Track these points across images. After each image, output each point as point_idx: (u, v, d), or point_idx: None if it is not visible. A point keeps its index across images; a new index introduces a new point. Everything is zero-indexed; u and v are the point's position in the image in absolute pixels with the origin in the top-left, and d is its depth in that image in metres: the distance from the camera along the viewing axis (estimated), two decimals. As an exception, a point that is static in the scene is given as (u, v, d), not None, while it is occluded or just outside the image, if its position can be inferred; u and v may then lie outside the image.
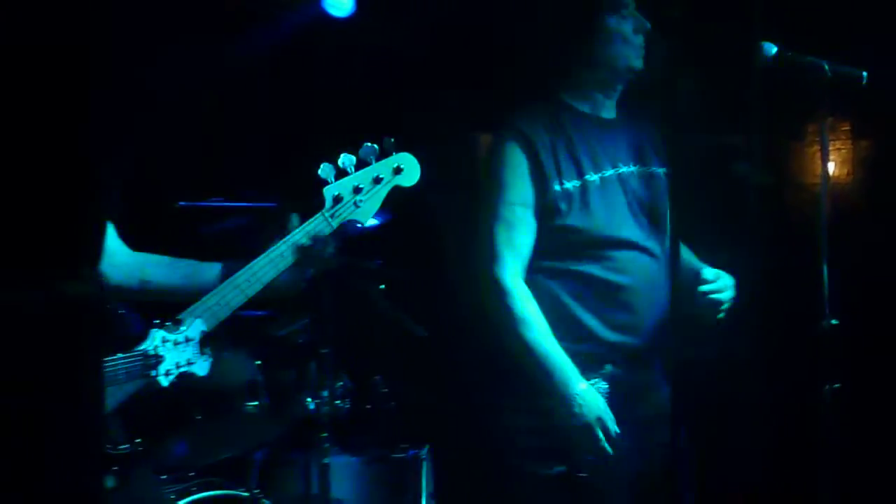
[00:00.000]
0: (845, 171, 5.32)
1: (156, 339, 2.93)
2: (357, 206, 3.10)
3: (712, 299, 3.27)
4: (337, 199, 3.05)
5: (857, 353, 3.36)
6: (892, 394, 4.57)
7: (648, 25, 3.28)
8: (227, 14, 5.52)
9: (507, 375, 3.27)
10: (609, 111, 3.41)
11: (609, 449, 3.07)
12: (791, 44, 3.24)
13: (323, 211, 3.04)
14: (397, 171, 3.16)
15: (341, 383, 4.30)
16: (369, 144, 3.12)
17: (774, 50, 3.25)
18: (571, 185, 3.21)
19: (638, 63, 3.29)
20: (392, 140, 3.16)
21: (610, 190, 3.27)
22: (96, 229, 1.67)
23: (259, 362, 4.14)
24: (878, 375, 4.28)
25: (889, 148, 5.15)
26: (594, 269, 3.21)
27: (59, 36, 1.56)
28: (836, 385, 3.10)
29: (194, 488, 3.89)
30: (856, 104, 3.29)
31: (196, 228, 4.25)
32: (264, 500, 3.95)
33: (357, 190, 3.07)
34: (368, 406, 4.70)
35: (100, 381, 2.75)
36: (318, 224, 3.05)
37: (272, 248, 3.02)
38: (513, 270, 3.21)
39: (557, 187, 3.22)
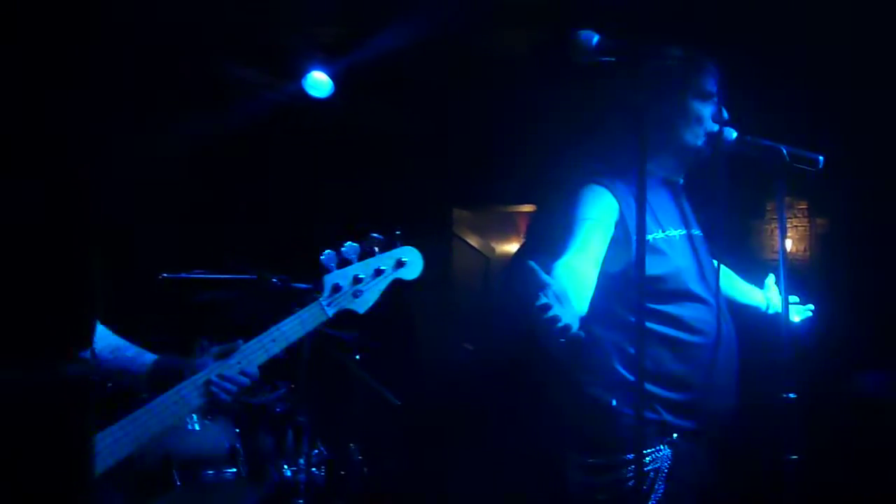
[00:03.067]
0: (802, 247, 5.39)
1: None
2: (355, 297, 3.06)
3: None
4: (336, 289, 3.02)
5: (814, 426, 3.37)
6: (848, 459, 4.61)
7: (726, 114, 3.32)
8: (213, 92, 5.57)
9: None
10: (680, 178, 3.43)
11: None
12: (751, 129, 3.29)
13: (320, 299, 3.00)
14: (399, 264, 3.13)
15: (317, 451, 4.29)
16: (375, 235, 3.11)
17: (735, 135, 3.29)
18: (651, 237, 3.16)
19: (705, 151, 3.32)
20: (398, 233, 3.14)
21: (681, 248, 3.25)
22: (90, 314, 1.69)
23: (238, 430, 4.13)
24: (834, 445, 4.31)
25: (843, 226, 5.23)
26: (669, 320, 3.17)
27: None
28: (795, 457, 3.09)
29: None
30: (812, 185, 3.31)
31: (181, 299, 4.25)
32: (241, 566, 3.92)
33: (357, 280, 3.05)
34: (343, 473, 4.68)
35: (91, 451, 2.73)
36: (314, 312, 3.00)
37: (264, 335, 2.96)
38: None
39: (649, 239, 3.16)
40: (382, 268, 3.09)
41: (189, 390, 2.91)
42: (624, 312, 3.17)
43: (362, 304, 3.07)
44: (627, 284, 3.12)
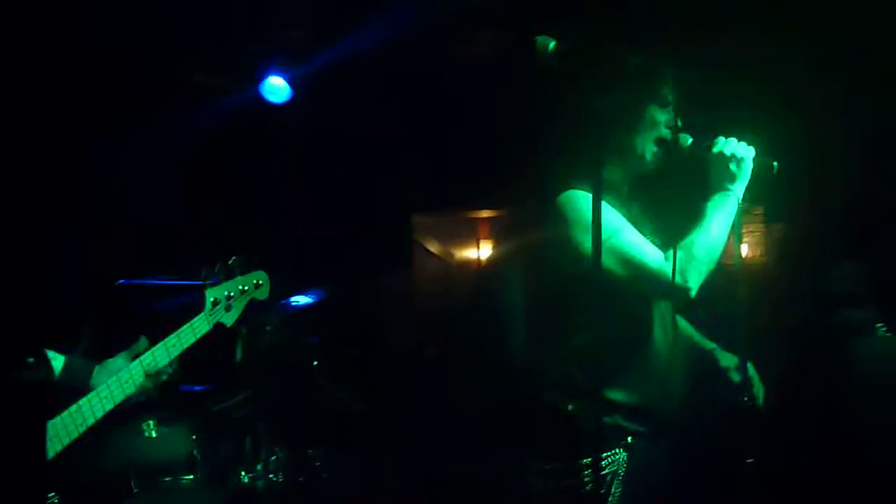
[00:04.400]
0: (758, 252, 5.42)
1: None
2: (227, 311, 3.45)
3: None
4: (214, 303, 3.40)
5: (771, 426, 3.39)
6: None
7: (680, 123, 3.31)
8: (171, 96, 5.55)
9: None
10: (628, 187, 3.42)
11: None
12: (706, 134, 3.30)
13: (205, 312, 3.37)
14: (256, 285, 3.53)
15: (275, 457, 4.27)
16: (236, 258, 3.48)
17: (690, 140, 3.29)
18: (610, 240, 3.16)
19: (661, 159, 3.32)
20: (255, 258, 3.53)
21: None
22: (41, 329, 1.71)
23: (196, 436, 4.11)
24: (789, 445, 4.34)
25: (799, 231, 5.27)
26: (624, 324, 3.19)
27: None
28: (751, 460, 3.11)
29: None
30: (768, 191, 3.32)
31: (137, 306, 4.24)
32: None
33: (229, 297, 3.44)
34: (302, 479, 4.67)
35: (44, 443, 2.80)
36: (201, 323, 3.38)
37: (167, 339, 3.33)
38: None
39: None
40: (246, 287, 3.50)
41: (111, 389, 3.23)
42: (579, 316, 3.18)
43: (230, 318, 3.45)
44: (583, 288, 3.13)
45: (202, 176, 5.80)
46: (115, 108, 5.08)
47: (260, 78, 5.65)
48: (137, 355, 3.28)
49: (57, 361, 3.25)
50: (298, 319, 4.59)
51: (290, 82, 5.68)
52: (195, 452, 4.08)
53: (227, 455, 4.30)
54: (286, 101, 5.68)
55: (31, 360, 2.91)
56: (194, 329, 3.36)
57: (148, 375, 3.27)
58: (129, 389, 3.26)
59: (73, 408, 3.14)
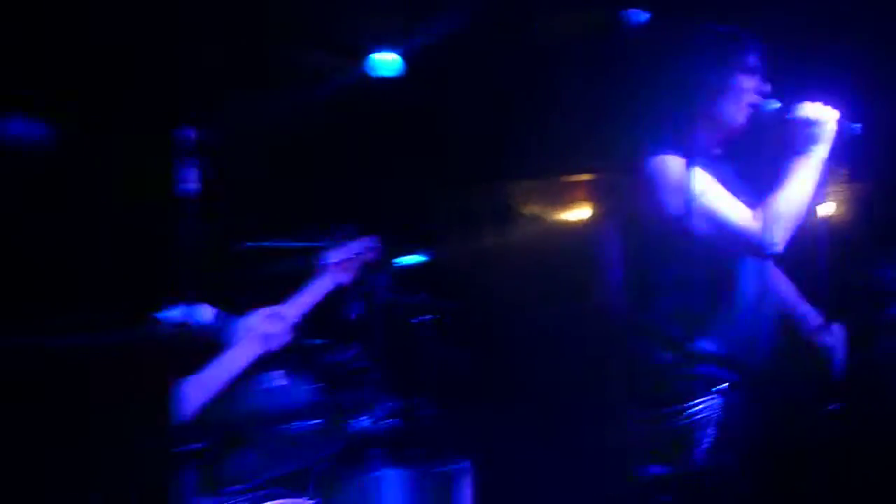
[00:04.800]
0: (842, 210, 5.33)
1: None
2: (345, 271, 3.69)
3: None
4: (336, 264, 3.64)
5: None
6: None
7: (768, 88, 3.28)
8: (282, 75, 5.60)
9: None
10: (718, 151, 3.39)
11: None
12: (793, 99, 3.26)
13: (329, 272, 3.65)
14: (368, 248, 3.77)
15: (391, 404, 4.31)
16: (351, 224, 3.76)
17: (778, 105, 3.26)
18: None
19: (748, 124, 3.29)
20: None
21: None
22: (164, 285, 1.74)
23: (318, 386, 4.16)
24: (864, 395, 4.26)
25: (882, 190, 5.17)
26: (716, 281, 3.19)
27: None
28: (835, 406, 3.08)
29: (260, 498, 3.91)
30: (852, 152, 3.28)
31: (262, 269, 4.30)
32: (323, 509, 3.96)
33: (348, 259, 3.68)
34: (415, 424, 4.71)
35: (169, 397, 2.84)
36: (324, 282, 3.64)
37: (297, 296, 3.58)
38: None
39: None
40: (359, 251, 3.74)
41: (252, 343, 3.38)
42: (672, 272, 3.17)
43: (349, 279, 3.71)
44: (675, 246, 3.12)
45: (317, 149, 5.84)
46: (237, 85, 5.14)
47: (368, 55, 5.67)
48: (273, 312, 3.35)
49: (205, 315, 3.31)
50: (408, 278, 4.62)
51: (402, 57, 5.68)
52: (317, 400, 4.13)
53: (347, 403, 4.34)
54: (396, 76, 5.69)
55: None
56: (319, 287, 3.52)
57: (285, 330, 3.33)
58: (271, 343, 3.36)
59: (219, 361, 3.18)
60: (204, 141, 3.26)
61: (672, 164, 3.16)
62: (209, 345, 3.32)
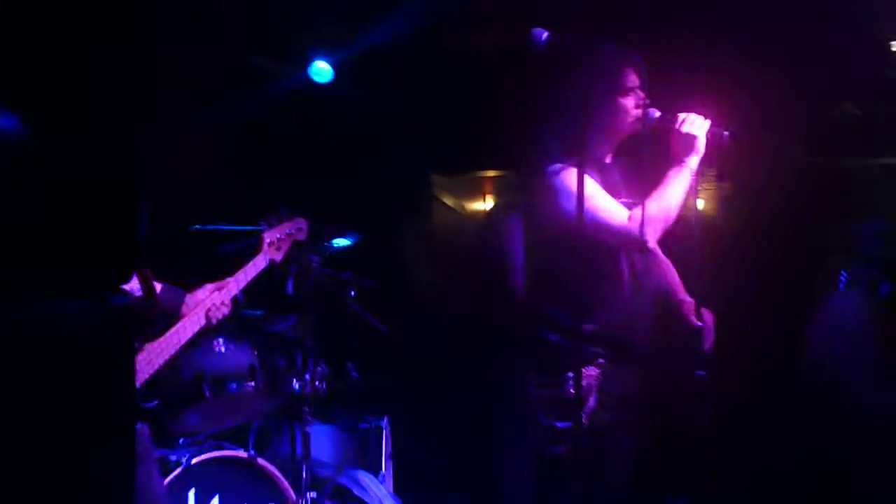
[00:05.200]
0: (711, 206, 5.43)
1: None
2: (277, 250, 3.65)
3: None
4: (269, 244, 3.62)
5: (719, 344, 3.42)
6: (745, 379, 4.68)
7: (647, 99, 3.32)
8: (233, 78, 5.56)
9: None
10: (608, 157, 3.44)
11: None
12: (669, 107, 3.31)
13: (263, 251, 3.61)
14: (298, 229, 3.75)
15: (320, 368, 4.32)
16: (283, 208, 3.72)
17: (657, 115, 3.30)
18: None
19: (634, 132, 3.34)
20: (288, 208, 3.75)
21: None
22: (131, 256, 1.71)
23: (257, 352, 4.15)
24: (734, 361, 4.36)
25: (743, 188, 5.27)
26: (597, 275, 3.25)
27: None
28: (702, 373, 3.14)
29: (205, 449, 3.90)
30: (720, 155, 3.33)
31: (208, 249, 4.26)
32: (259, 459, 3.95)
33: (279, 239, 3.65)
34: (341, 386, 4.72)
35: (133, 365, 2.81)
36: (261, 259, 3.61)
37: (238, 272, 3.58)
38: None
39: None
40: (290, 231, 3.68)
41: (199, 314, 3.38)
42: (561, 262, 3.23)
43: (280, 255, 3.66)
44: (565, 241, 3.18)
45: (259, 144, 5.81)
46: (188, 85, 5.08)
47: (307, 62, 5.65)
48: (217, 286, 3.35)
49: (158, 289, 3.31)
50: (338, 258, 4.62)
51: (333, 66, 5.67)
52: (255, 364, 4.12)
53: (282, 367, 4.34)
54: (329, 81, 5.68)
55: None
56: (256, 264, 3.51)
57: (224, 303, 3.34)
58: (213, 314, 3.38)
59: (172, 331, 3.19)
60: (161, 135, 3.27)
61: (566, 171, 3.20)
62: (162, 315, 3.31)
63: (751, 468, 4.65)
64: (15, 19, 1.48)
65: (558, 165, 3.26)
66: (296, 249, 3.79)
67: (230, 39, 5.44)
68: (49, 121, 1.53)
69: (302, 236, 3.74)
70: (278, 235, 3.61)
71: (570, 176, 3.17)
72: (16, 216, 1.49)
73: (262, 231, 3.59)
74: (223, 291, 3.42)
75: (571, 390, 3.21)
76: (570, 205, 3.02)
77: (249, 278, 3.53)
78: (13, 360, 1.46)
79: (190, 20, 4.86)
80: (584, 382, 3.20)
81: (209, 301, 3.38)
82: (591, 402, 3.21)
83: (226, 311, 3.44)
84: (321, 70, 5.67)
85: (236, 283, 3.48)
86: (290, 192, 5.44)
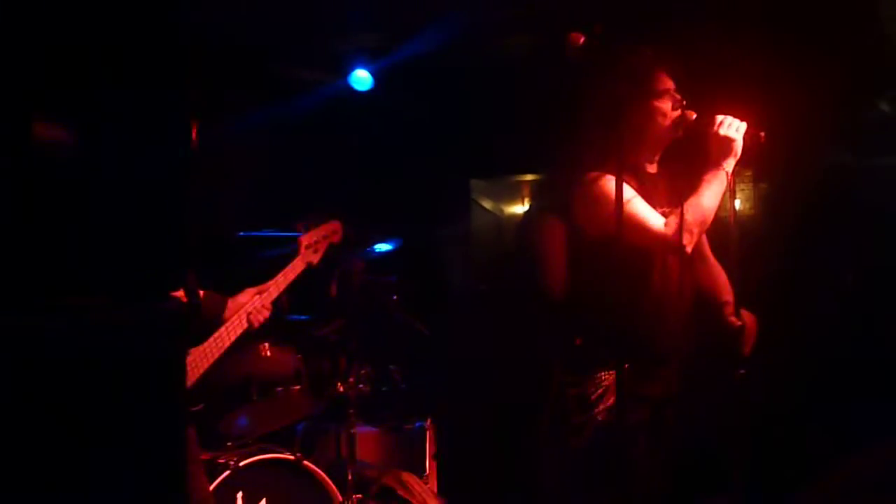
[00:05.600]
0: (748, 206, 5.40)
1: None
2: (315, 253, 3.68)
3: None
4: (307, 247, 3.66)
5: (758, 346, 3.40)
6: (783, 378, 4.65)
7: (684, 102, 3.31)
8: (275, 87, 5.62)
9: None
10: (652, 166, 3.43)
11: None
12: (706, 110, 3.29)
13: (301, 255, 3.65)
14: (333, 232, 3.76)
15: (364, 371, 4.35)
16: (317, 212, 3.76)
17: (694, 117, 3.29)
18: None
19: (673, 135, 3.34)
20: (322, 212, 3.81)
21: None
22: (181, 263, 1.75)
23: (302, 356, 4.19)
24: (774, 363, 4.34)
25: (780, 189, 5.24)
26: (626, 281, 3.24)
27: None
28: (742, 371, 3.13)
29: (252, 452, 3.94)
30: (756, 156, 3.31)
31: (253, 254, 4.32)
32: (305, 462, 3.99)
33: (315, 242, 3.68)
34: (385, 389, 4.76)
35: (184, 372, 2.86)
36: (298, 263, 3.62)
37: (276, 277, 3.60)
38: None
39: None
40: (325, 235, 3.71)
41: (242, 318, 3.43)
42: (598, 266, 3.23)
43: (317, 258, 3.68)
44: (601, 245, 3.18)
45: (302, 151, 5.86)
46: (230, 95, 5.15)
47: (347, 71, 5.70)
48: (258, 291, 3.39)
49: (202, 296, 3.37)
50: (380, 263, 4.65)
51: (373, 74, 5.72)
52: (301, 368, 4.16)
53: (326, 370, 4.37)
54: (369, 90, 5.73)
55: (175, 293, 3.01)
56: (294, 268, 3.56)
57: (265, 306, 3.40)
58: (255, 317, 3.44)
59: (215, 335, 3.25)
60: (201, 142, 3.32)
61: (603, 179, 3.21)
62: (205, 321, 3.37)
63: (790, 469, 4.62)
64: (54, 24, 1.51)
65: (595, 174, 3.26)
66: (335, 252, 3.83)
67: (272, 48, 5.52)
68: (96, 126, 1.56)
69: (337, 239, 3.78)
70: (314, 239, 3.67)
71: (607, 184, 3.17)
72: (64, 222, 1.52)
73: (298, 235, 3.65)
74: (264, 295, 3.49)
75: (592, 388, 3.23)
76: (607, 212, 3.02)
77: (289, 281, 3.59)
78: (62, 367, 1.48)
79: (233, 28, 4.94)
80: (606, 382, 3.22)
81: (250, 305, 3.44)
82: (612, 400, 3.21)
83: (266, 314, 3.50)
84: (361, 78, 5.72)
85: (276, 287, 3.54)
86: (333, 198, 5.51)
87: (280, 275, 3.57)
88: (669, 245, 3.18)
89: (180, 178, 1.70)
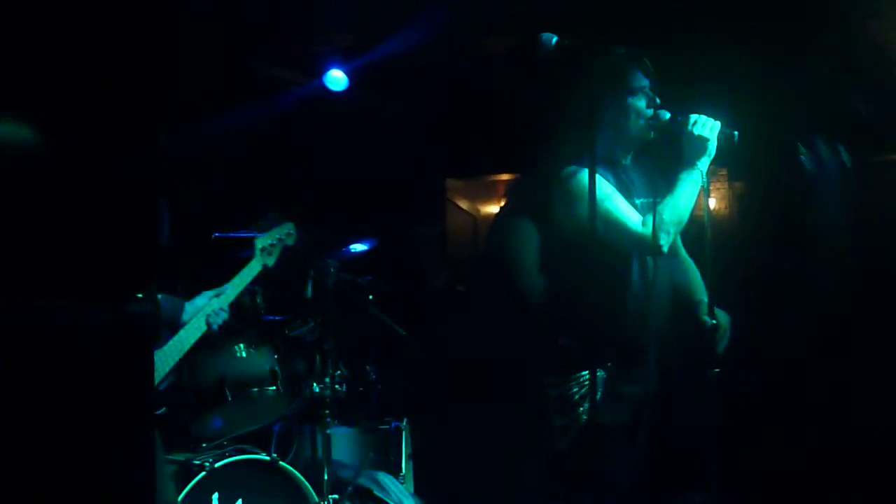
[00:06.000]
0: (723, 205, 5.41)
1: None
2: (269, 255, 3.65)
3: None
4: (262, 249, 3.63)
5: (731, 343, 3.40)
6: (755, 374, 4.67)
7: (658, 100, 3.30)
8: (249, 87, 5.59)
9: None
10: (627, 159, 3.42)
11: None
12: (680, 109, 3.29)
13: (256, 258, 3.62)
14: (287, 234, 3.73)
15: (339, 372, 4.33)
16: (271, 213, 3.72)
17: (668, 115, 3.29)
18: None
19: (648, 134, 3.32)
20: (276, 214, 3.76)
21: None
22: (150, 265, 1.72)
23: (277, 356, 4.16)
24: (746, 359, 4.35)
25: (754, 188, 5.25)
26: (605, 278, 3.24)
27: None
28: (717, 370, 3.13)
29: (227, 453, 3.91)
30: (731, 155, 3.31)
31: (227, 255, 4.28)
32: (281, 462, 3.96)
33: (270, 245, 3.65)
34: (361, 389, 4.74)
35: (152, 371, 2.83)
36: (254, 265, 3.62)
37: (234, 279, 3.62)
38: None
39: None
40: (279, 236, 3.67)
41: (200, 320, 3.42)
42: (572, 264, 3.23)
43: (271, 261, 3.66)
44: (575, 243, 3.18)
45: (274, 151, 5.84)
46: (206, 95, 5.11)
47: (322, 71, 5.68)
48: (216, 294, 3.42)
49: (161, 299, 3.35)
50: (355, 263, 4.63)
51: (348, 74, 5.70)
52: (276, 369, 4.13)
53: (302, 371, 4.35)
54: (344, 90, 5.70)
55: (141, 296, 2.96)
56: (250, 270, 3.56)
57: (223, 308, 3.40)
58: (213, 320, 3.43)
59: (175, 338, 3.23)
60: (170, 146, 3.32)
61: (580, 174, 3.19)
62: (163, 325, 3.36)
63: (767, 466, 4.63)
64: (36, 24, 1.49)
65: (572, 168, 3.25)
66: (293, 254, 3.83)
67: (247, 48, 5.48)
68: (67, 125, 1.53)
69: (291, 241, 3.76)
70: (269, 241, 3.66)
71: (583, 178, 3.16)
72: (34, 221, 1.49)
73: (254, 237, 3.64)
74: (221, 298, 3.50)
75: (575, 390, 3.22)
76: (583, 208, 3.02)
77: (244, 284, 3.60)
78: (28, 367, 1.46)
79: (208, 28, 4.90)
80: (585, 385, 3.21)
81: (208, 307, 3.45)
82: (597, 400, 3.21)
83: (225, 316, 3.50)
84: (336, 78, 5.69)
85: (232, 289, 3.55)
86: (308, 199, 5.48)
87: (236, 277, 3.58)
88: (646, 244, 3.17)
89: (151, 178, 1.68)
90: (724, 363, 3.19)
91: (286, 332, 4.41)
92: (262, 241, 3.62)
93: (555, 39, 2.95)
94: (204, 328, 3.43)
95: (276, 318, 4.44)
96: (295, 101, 5.80)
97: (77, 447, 1.50)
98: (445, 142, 6.17)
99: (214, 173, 5.44)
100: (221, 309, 3.48)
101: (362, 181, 5.90)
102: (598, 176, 2.97)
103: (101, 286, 1.57)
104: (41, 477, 1.45)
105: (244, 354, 4.08)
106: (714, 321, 3.24)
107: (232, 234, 3.81)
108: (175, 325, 3.41)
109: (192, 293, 3.56)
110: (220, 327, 3.50)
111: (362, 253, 4.77)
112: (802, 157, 3.80)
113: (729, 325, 3.37)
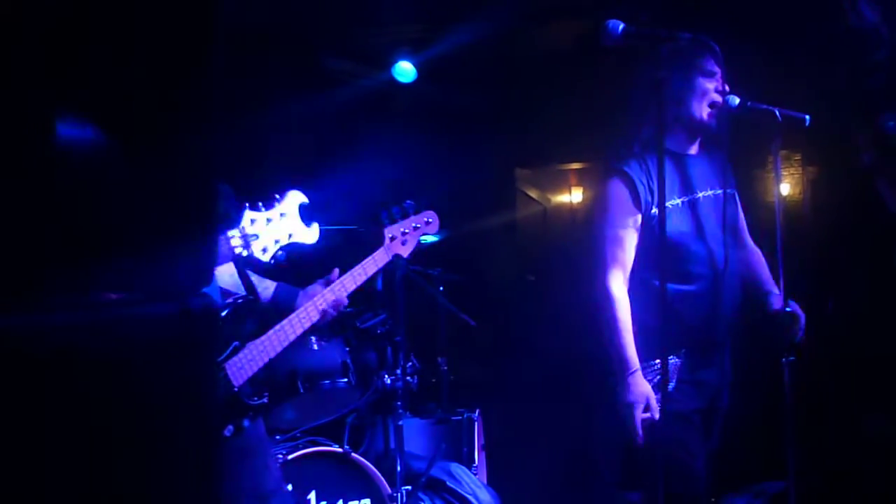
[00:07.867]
0: (797, 190, 5.28)
1: (245, 220, 2.89)
2: (402, 244, 3.36)
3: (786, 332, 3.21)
4: (392, 238, 3.32)
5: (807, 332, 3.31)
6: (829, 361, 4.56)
7: (728, 87, 3.23)
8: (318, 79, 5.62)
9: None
10: (693, 149, 3.35)
11: (638, 431, 3.08)
12: (750, 96, 3.21)
13: (384, 246, 3.31)
14: (427, 223, 3.44)
15: (411, 363, 4.32)
16: (408, 202, 3.39)
17: (737, 102, 3.21)
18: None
19: (714, 120, 3.25)
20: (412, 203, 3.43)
21: (679, 215, 3.22)
22: (211, 258, 1.70)
23: (348, 348, 4.16)
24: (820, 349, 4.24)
25: (830, 172, 5.11)
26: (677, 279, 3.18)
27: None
28: (792, 358, 3.07)
29: (300, 445, 3.93)
30: (805, 139, 3.23)
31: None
32: (354, 454, 3.97)
33: (403, 233, 3.35)
34: (433, 380, 4.73)
35: (216, 372, 2.79)
36: (381, 255, 3.30)
37: (354, 268, 3.27)
38: (619, 280, 3.18)
39: (654, 212, 3.15)
40: (417, 225, 3.39)
41: (309, 310, 3.17)
42: (642, 254, 3.18)
43: (406, 250, 3.38)
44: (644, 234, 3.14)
45: (347, 143, 5.84)
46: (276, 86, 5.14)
47: (391, 63, 5.68)
48: (330, 282, 3.26)
49: (271, 288, 3.31)
50: (426, 254, 4.61)
51: (416, 66, 5.69)
52: (347, 361, 4.14)
53: (373, 363, 4.35)
54: (412, 81, 5.69)
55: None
56: (376, 260, 3.31)
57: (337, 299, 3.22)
58: (327, 308, 3.22)
59: (277, 327, 3.11)
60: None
61: (638, 169, 3.17)
62: (278, 313, 3.25)
63: (840, 456, 4.52)
64: (101, 23, 1.47)
65: (631, 162, 3.21)
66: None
67: (317, 39, 5.50)
68: (133, 124, 1.52)
69: (433, 229, 3.56)
70: (402, 230, 3.43)
71: (640, 171, 3.16)
72: (93, 217, 1.48)
73: (383, 227, 3.43)
74: (338, 287, 3.29)
75: (649, 377, 3.17)
76: (646, 198, 2.98)
77: (369, 274, 3.38)
78: (85, 366, 1.45)
79: (278, 23, 4.93)
80: (661, 370, 3.15)
81: (321, 298, 3.26)
82: (670, 388, 3.16)
83: (342, 306, 3.31)
84: (404, 70, 5.68)
85: (352, 280, 3.34)
86: (377, 190, 5.48)
87: (359, 267, 3.36)
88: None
89: (209, 172, 1.66)
90: (799, 351, 3.12)
91: (357, 324, 4.40)
92: (392, 231, 3.44)
93: (621, 26, 2.89)
94: (316, 318, 3.28)
95: (348, 310, 4.45)
96: (365, 92, 5.80)
97: (131, 454, 1.48)
98: (514, 131, 6.13)
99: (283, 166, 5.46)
100: (339, 299, 3.30)
101: (432, 172, 5.89)
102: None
103: (163, 282, 1.56)
104: (90, 489, 1.44)
105: (316, 347, 4.09)
106: (789, 309, 3.16)
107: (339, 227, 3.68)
108: (285, 312, 3.29)
109: (305, 283, 3.43)
110: (335, 318, 3.33)
111: (433, 244, 4.76)
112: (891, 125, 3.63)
113: (802, 313, 3.29)
